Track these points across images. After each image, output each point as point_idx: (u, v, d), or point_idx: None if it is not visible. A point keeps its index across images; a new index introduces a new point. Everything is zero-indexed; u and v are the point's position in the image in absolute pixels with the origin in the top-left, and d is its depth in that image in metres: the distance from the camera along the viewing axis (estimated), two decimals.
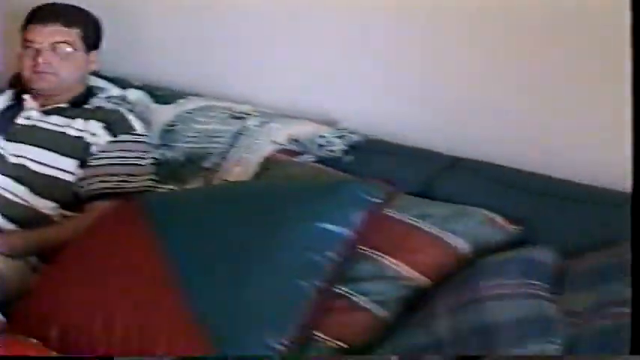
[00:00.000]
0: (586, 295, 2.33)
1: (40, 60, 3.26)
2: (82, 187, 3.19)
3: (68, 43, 3.29)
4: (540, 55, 2.85)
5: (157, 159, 3.29)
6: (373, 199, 2.55)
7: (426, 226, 2.60)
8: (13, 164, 3.24)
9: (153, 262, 2.53)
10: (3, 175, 3.22)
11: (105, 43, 3.41)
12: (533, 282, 2.35)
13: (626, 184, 2.60)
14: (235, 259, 2.49)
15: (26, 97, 3.34)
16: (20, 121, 3.32)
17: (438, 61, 3.04)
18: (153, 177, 3.25)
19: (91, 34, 3.36)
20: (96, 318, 2.49)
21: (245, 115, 3.25)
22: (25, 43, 3.29)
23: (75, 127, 3.25)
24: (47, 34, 3.27)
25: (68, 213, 3.19)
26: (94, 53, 3.38)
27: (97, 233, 2.77)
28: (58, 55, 3.29)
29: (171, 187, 3.21)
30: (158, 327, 2.42)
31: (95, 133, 3.23)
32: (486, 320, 2.24)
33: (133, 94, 3.49)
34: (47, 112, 3.30)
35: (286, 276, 2.45)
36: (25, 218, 3.17)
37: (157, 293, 2.47)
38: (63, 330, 2.52)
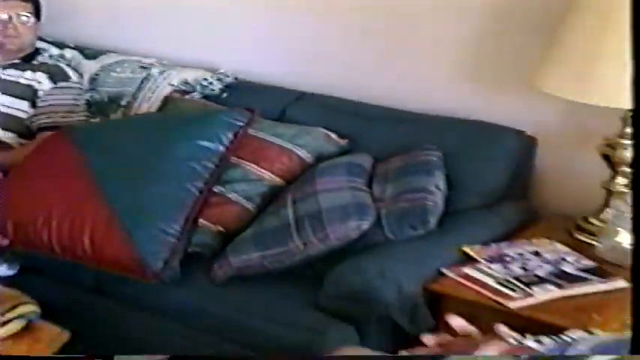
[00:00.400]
0: (391, 186, 2.39)
1: (10, 26, 3.20)
2: (32, 121, 3.16)
3: (29, 14, 3.23)
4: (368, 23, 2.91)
5: (87, 100, 3.28)
6: (239, 123, 2.61)
7: (279, 141, 2.66)
8: None
9: (79, 172, 2.56)
10: None
11: (46, 15, 3.34)
12: (353, 178, 2.43)
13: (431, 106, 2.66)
14: (140, 169, 2.54)
15: None
16: None
17: (297, 25, 3.04)
18: (85, 113, 3.23)
19: (38, 7, 3.30)
20: (38, 215, 2.52)
21: (150, 66, 3.26)
22: None
23: (26, 77, 3.22)
24: (12, 7, 3.21)
25: (23, 141, 3.16)
26: (39, 22, 3.31)
27: (40, 154, 2.79)
28: (22, 23, 3.23)
29: (98, 120, 3.21)
30: (84, 219, 2.46)
31: (41, 81, 3.20)
32: (319, 206, 2.31)
33: (68, 53, 3.47)
34: (4, 67, 3.25)
35: (176, 180, 2.51)
36: None
37: (83, 195, 2.52)
38: (16, 224, 2.55)
